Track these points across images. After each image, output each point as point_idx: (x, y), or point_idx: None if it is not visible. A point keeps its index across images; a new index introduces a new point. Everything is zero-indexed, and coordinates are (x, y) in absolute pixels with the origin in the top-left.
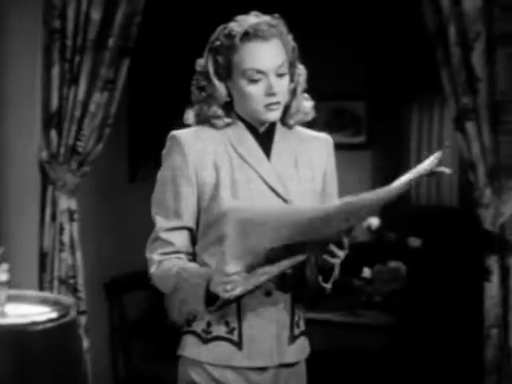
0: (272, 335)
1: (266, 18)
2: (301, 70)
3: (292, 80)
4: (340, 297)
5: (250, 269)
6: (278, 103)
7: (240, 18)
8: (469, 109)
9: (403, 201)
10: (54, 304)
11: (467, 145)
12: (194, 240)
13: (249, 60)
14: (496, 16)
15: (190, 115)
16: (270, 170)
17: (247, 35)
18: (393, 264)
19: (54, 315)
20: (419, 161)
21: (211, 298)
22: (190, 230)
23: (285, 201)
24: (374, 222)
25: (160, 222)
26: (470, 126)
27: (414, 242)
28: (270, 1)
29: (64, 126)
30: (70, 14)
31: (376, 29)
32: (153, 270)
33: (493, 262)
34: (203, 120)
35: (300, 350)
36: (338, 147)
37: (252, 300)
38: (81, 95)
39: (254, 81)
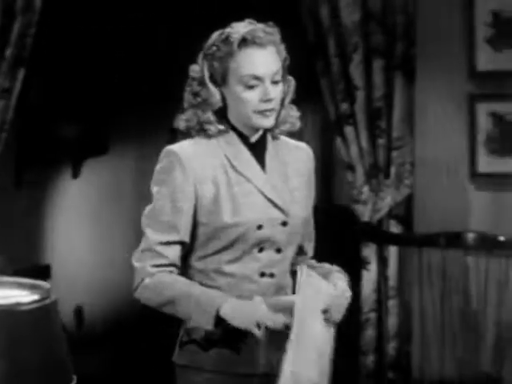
0: (269, 342)
1: (261, 26)
2: (290, 80)
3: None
4: None
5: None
6: (272, 110)
7: (236, 24)
8: (347, 114)
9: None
10: (32, 288)
11: (346, 147)
12: (183, 254)
13: (246, 66)
14: (372, 29)
15: (180, 121)
16: (266, 181)
17: (245, 41)
18: None
19: (36, 297)
20: None
21: (219, 320)
22: (183, 244)
23: (283, 212)
24: None
25: (153, 234)
26: (348, 131)
27: None
28: None
29: None
30: None
31: None
32: (146, 281)
33: (370, 253)
34: (194, 126)
35: None
36: None
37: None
38: None
39: (250, 87)
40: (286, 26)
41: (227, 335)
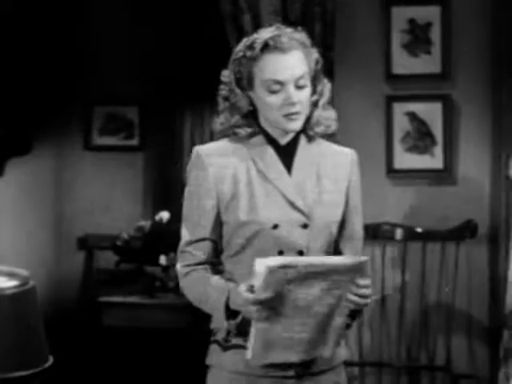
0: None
1: (288, 31)
2: (324, 82)
3: (314, 92)
4: (137, 283)
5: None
6: (297, 113)
7: (263, 30)
8: None
9: (176, 196)
10: (9, 275)
11: None
12: (217, 250)
13: (268, 71)
14: None
15: (216, 124)
16: (290, 183)
17: (267, 46)
18: None
19: (16, 283)
20: None
21: (233, 313)
22: (212, 241)
23: (303, 214)
24: (165, 215)
25: (185, 234)
26: None
27: None
28: None
29: None
30: None
31: (150, 36)
32: (181, 283)
33: None
34: (227, 129)
35: (324, 359)
36: (112, 149)
37: None
38: None
39: (273, 91)
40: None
41: (242, 337)
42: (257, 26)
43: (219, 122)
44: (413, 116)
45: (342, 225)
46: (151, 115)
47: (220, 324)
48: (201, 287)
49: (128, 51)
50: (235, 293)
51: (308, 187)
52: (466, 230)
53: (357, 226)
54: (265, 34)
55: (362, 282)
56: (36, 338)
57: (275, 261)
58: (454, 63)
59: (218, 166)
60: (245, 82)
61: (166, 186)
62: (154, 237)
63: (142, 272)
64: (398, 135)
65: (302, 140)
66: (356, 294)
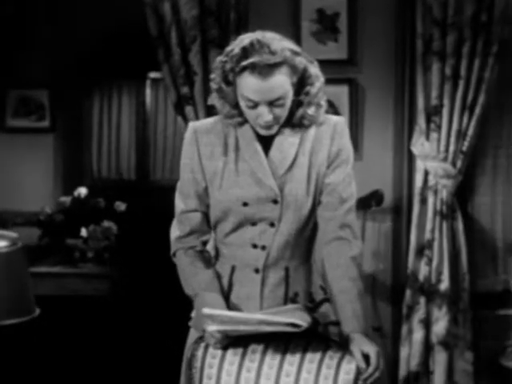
0: (257, 308)
1: (275, 49)
2: (313, 82)
3: (299, 94)
4: (58, 254)
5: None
6: (272, 125)
7: (251, 43)
8: (187, 96)
9: (86, 174)
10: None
11: (187, 124)
12: (207, 220)
13: (245, 89)
14: (209, 24)
15: (212, 99)
16: (263, 162)
17: (248, 68)
18: (105, 224)
19: (8, 243)
20: (100, 143)
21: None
22: (202, 212)
23: (273, 191)
24: (83, 190)
25: (179, 204)
26: (188, 110)
27: (120, 206)
28: None
29: None
30: None
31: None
32: (176, 261)
33: None
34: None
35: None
36: (24, 131)
37: (243, 276)
38: None
39: (248, 106)
40: None
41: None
42: (176, 12)
43: (215, 99)
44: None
45: (323, 195)
46: (61, 98)
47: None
48: (189, 277)
49: (39, 37)
50: (199, 313)
51: (281, 171)
52: (372, 199)
53: (342, 194)
54: (250, 53)
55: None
56: (25, 292)
57: (219, 319)
58: (359, 50)
59: (206, 143)
60: (231, 81)
61: (76, 165)
62: (75, 211)
63: (61, 245)
64: None
65: (287, 128)
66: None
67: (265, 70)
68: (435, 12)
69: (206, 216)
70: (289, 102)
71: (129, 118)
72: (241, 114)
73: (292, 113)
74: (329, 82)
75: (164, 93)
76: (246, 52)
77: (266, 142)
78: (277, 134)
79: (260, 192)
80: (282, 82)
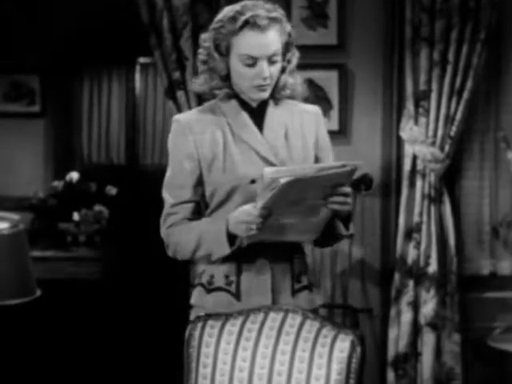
0: (268, 290)
1: (267, 8)
2: (294, 52)
3: (283, 59)
4: (51, 239)
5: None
6: (267, 85)
7: (245, 4)
8: (179, 81)
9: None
10: (1, 218)
11: (178, 109)
12: (199, 211)
13: (245, 46)
14: (199, 10)
15: (195, 85)
16: (262, 141)
17: (247, 23)
18: (97, 208)
19: (10, 225)
20: (90, 128)
21: (232, 240)
22: (195, 202)
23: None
24: (75, 175)
25: (168, 198)
26: (180, 95)
27: (111, 190)
28: None
29: None
30: None
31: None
32: (167, 239)
33: None
34: (205, 90)
35: (303, 302)
36: (15, 115)
37: (251, 257)
38: None
39: (247, 64)
40: None
41: (225, 281)
42: (167, 1)
43: (198, 83)
44: (311, 82)
45: None
46: (52, 83)
47: (221, 253)
48: (193, 230)
49: (29, 22)
50: (236, 214)
51: (279, 145)
52: (361, 183)
53: None
54: (246, 10)
55: (343, 189)
56: (26, 273)
57: (286, 173)
58: (348, 36)
59: (197, 131)
60: (223, 49)
61: (66, 149)
62: (67, 195)
63: (53, 229)
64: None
65: (271, 103)
66: (336, 201)
67: (264, 23)
68: None
69: (198, 206)
70: (280, 63)
71: (118, 103)
72: (229, 86)
73: (275, 84)
74: (318, 67)
75: (154, 78)
76: (243, 10)
77: (256, 121)
78: (265, 114)
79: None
80: (277, 38)
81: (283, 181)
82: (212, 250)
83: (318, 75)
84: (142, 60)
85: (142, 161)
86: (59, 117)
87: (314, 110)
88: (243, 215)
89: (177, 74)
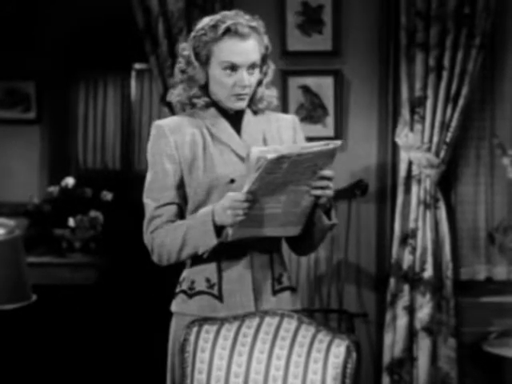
0: (250, 289)
1: (247, 18)
2: (270, 65)
3: (260, 72)
4: (46, 245)
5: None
6: (245, 94)
7: (225, 13)
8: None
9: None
10: None
11: (173, 115)
12: (182, 213)
13: (226, 53)
14: (195, 15)
15: (173, 96)
16: (241, 143)
17: (229, 31)
18: (92, 213)
19: (6, 231)
20: (86, 134)
21: (218, 232)
22: (177, 204)
23: None
24: (70, 181)
25: (150, 203)
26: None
27: (107, 195)
28: None
29: None
30: None
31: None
32: (152, 242)
33: None
34: (184, 100)
35: (285, 303)
36: (10, 122)
37: (231, 258)
38: None
39: (228, 72)
40: None
41: (207, 284)
42: (162, 4)
43: (176, 93)
44: (306, 89)
45: None
46: (47, 89)
47: (208, 245)
48: (178, 227)
49: (25, 28)
50: (222, 201)
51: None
52: (356, 189)
53: None
54: (227, 18)
55: (325, 173)
56: (22, 279)
57: (272, 151)
58: (343, 42)
59: (178, 134)
60: (203, 57)
61: (62, 155)
62: (62, 201)
63: (49, 235)
64: (292, 107)
65: (248, 111)
66: (319, 185)
67: (245, 31)
68: (419, 4)
69: (181, 209)
70: (257, 74)
71: (114, 109)
72: (208, 95)
73: (252, 95)
74: (314, 73)
75: (149, 84)
76: (224, 18)
77: (234, 126)
78: (242, 120)
79: (244, 169)
80: (257, 48)
81: (270, 156)
82: (198, 243)
83: (313, 81)
84: (137, 66)
85: (138, 166)
86: (55, 123)
87: (291, 116)
88: (229, 201)
89: (172, 80)
